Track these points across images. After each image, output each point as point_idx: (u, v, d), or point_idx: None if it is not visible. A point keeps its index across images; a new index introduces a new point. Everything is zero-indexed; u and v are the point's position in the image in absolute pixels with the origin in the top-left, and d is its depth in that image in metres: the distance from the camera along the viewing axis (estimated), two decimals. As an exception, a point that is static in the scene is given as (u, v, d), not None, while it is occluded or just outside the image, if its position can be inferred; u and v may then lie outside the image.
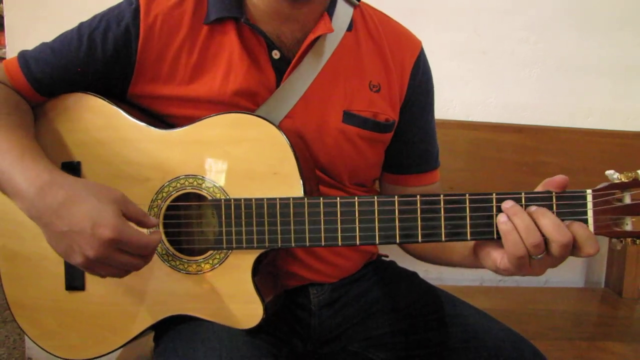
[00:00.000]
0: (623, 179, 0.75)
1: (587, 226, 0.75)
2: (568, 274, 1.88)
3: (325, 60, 0.96)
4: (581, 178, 1.62)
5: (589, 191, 0.76)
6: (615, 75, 1.80)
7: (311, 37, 0.93)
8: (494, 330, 0.98)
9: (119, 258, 0.76)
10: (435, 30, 1.69)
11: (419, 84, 1.04)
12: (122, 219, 0.76)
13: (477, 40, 1.74)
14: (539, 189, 0.79)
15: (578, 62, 1.78)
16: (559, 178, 0.77)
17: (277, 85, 0.94)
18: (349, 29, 0.99)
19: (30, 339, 0.96)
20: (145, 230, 0.82)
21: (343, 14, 0.98)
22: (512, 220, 0.75)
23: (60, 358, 0.96)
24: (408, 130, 1.05)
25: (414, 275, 1.13)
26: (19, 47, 0.97)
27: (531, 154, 1.68)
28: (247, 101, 0.94)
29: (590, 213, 0.76)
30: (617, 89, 1.81)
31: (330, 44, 0.96)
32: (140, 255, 0.79)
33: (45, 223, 0.77)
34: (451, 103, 1.74)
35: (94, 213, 0.74)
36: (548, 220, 0.74)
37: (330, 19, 0.95)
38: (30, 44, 0.97)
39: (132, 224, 0.79)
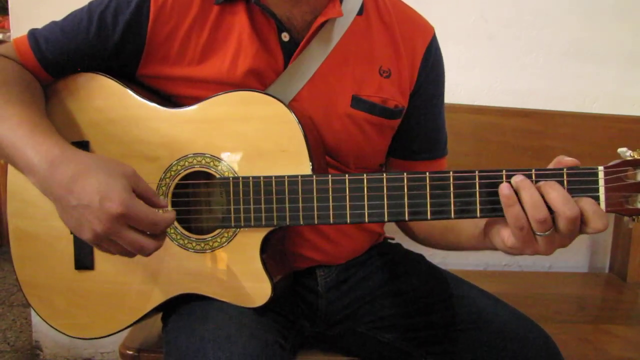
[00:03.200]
0: (636, 156, 0.73)
1: (593, 200, 0.73)
2: (572, 259, 1.88)
3: (334, 44, 0.95)
4: (586, 162, 1.60)
5: (600, 168, 0.75)
6: (622, 61, 1.79)
7: (319, 20, 0.92)
8: (500, 311, 0.98)
9: (128, 235, 0.75)
10: (442, 14, 1.68)
11: (430, 70, 1.03)
12: (132, 195, 0.76)
13: (483, 25, 1.74)
14: (550, 166, 0.77)
15: (584, 47, 1.77)
16: (570, 161, 0.76)
17: (285, 68, 0.94)
18: (360, 12, 0.98)
19: (42, 317, 0.97)
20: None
21: None
22: (519, 194, 0.73)
23: (71, 337, 0.97)
24: (417, 117, 1.05)
25: (420, 257, 1.13)
26: (23, 31, 0.97)
27: (536, 138, 1.67)
28: (256, 82, 0.93)
29: (601, 190, 0.74)
30: (623, 74, 1.80)
31: (340, 27, 0.96)
32: (151, 235, 0.77)
33: (56, 197, 0.77)
34: (457, 87, 1.73)
35: (103, 187, 0.74)
36: (556, 194, 0.72)
37: (341, 3, 0.95)
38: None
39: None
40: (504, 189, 0.74)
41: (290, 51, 0.94)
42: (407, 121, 1.04)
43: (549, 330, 0.97)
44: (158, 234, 0.79)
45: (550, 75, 1.78)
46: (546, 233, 0.73)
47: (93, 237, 0.76)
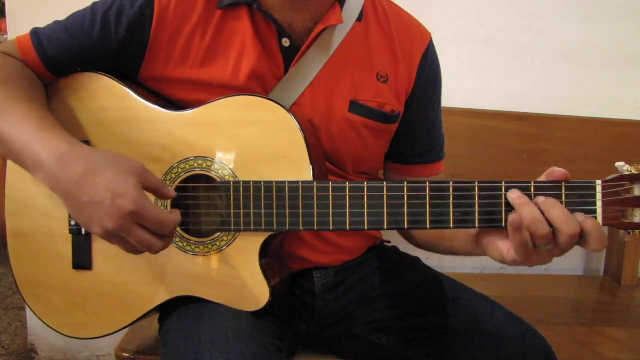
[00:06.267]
0: (633, 171, 0.75)
1: (597, 222, 0.75)
2: (567, 262, 1.89)
3: (334, 49, 0.96)
4: (582, 166, 1.63)
5: (598, 182, 0.76)
6: (618, 65, 1.80)
7: (320, 27, 0.93)
8: (495, 313, 0.99)
9: (137, 233, 0.75)
10: (438, 17, 1.69)
11: (427, 76, 1.04)
12: (143, 193, 0.76)
13: (480, 28, 1.74)
14: (542, 178, 0.78)
15: (580, 50, 1.78)
16: (560, 172, 0.77)
17: (286, 73, 0.95)
18: (359, 18, 0.99)
19: (37, 316, 0.97)
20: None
21: (354, 3, 0.98)
22: (519, 210, 0.74)
23: (67, 336, 0.97)
24: (414, 122, 1.05)
25: (416, 260, 1.14)
26: (21, 33, 0.96)
27: (532, 141, 1.68)
28: (259, 87, 0.94)
29: (599, 204, 0.76)
30: (619, 78, 1.81)
31: (340, 33, 0.97)
32: (158, 235, 0.77)
33: (66, 194, 0.76)
34: (453, 91, 1.73)
35: (115, 185, 0.74)
36: (558, 212, 0.73)
37: (341, 9, 0.96)
38: (31, 30, 0.97)
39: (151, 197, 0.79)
40: (513, 214, 0.75)
41: (290, 56, 0.95)
42: (404, 126, 1.05)
43: (544, 332, 0.98)
44: (166, 235, 0.79)
45: (546, 78, 1.79)
46: (547, 246, 0.74)
47: (103, 234, 0.76)
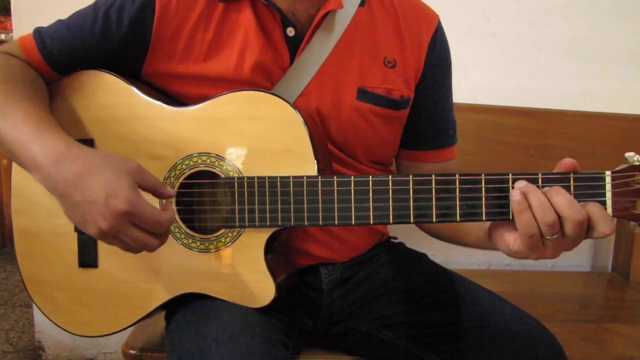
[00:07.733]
0: None
1: (602, 206, 0.74)
2: (575, 258, 1.88)
3: (338, 36, 0.95)
4: (588, 161, 1.61)
5: (607, 172, 0.74)
6: (624, 60, 1.79)
7: (321, 13, 0.93)
8: (504, 309, 0.98)
9: (132, 233, 0.75)
10: (444, 12, 1.65)
11: (437, 59, 1.03)
12: (137, 192, 0.75)
13: (486, 24, 1.73)
14: (555, 169, 0.77)
15: (586, 46, 1.77)
16: (569, 162, 0.76)
17: (291, 63, 0.94)
18: (362, 3, 0.98)
19: (44, 314, 0.97)
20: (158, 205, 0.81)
21: None
22: (526, 198, 0.73)
23: (73, 334, 0.97)
24: (425, 106, 1.04)
25: (423, 256, 1.13)
26: (26, 31, 0.97)
27: (538, 137, 1.67)
28: (263, 79, 0.94)
29: (608, 195, 0.74)
30: (625, 73, 1.79)
31: (342, 19, 0.96)
32: (154, 233, 0.77)
33: (61, 194, 0.76)
34: (459, 86, 1.69)
35: (109, 185, 0.74)
36: (562, 198, 0.72)
37: None
38: (36, 29, 0.97)
39: (149, 196, 0.79)
40: (515, 195, 0.74)
41: (295, 46, 0.94)
42: (415, 110, 1.04)
43: (552, 329, 0.97)
44: (161, 233, 0.78)
45: (552, 73, 1.78)
46: (554, 236, 0.73)
47: (98, 234, 0.76)
